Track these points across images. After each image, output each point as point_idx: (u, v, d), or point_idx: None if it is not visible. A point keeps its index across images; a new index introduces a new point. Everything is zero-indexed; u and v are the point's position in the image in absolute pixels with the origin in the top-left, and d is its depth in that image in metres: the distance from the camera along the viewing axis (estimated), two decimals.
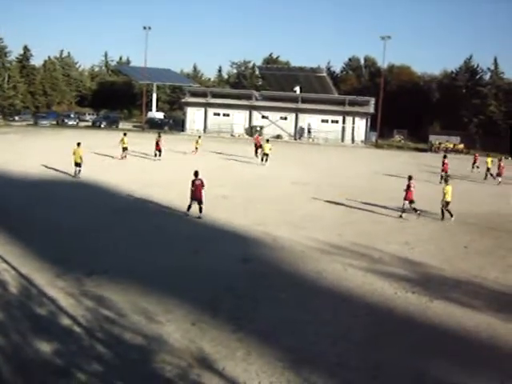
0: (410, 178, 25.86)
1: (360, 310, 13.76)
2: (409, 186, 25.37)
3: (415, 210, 25.53)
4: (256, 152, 46.43)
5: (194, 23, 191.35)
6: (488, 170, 42.57)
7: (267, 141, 45.61)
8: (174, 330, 11.77)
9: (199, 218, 22.43)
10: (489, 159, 43.05)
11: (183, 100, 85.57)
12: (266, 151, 42.87)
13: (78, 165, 31.39)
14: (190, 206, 22.80)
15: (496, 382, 10.61)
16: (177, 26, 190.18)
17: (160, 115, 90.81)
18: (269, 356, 10.86)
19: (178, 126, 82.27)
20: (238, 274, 15.88)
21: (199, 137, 51.72)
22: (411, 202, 25.44)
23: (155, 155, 42.05)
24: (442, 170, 38.32)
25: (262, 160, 42.85)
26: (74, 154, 31.57)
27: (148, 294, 13.88)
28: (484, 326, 13.03)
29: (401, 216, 25.37)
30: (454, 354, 11.54)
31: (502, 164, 41.16)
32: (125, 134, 42.30)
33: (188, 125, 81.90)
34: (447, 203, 25.30)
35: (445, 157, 39.77)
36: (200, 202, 22.69)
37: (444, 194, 25.32)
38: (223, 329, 11.95)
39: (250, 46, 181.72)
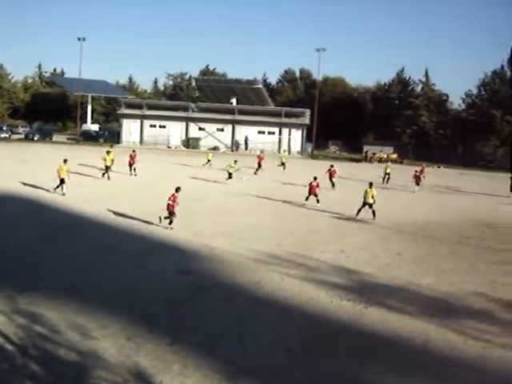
0: (315, 178, 31.68)
1: (297, 319, 13.82)
2: (310, 183, 31.34)
3: (317, 201, 30.98)
4: (257, 170, 48.22)
5: (130, 35, 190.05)
6: (386, 174, 46.60)
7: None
8: (110, 346, 11.53)
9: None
10: (388, 165, 48.43)
11: (119, 112, 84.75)
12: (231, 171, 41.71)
13: (62, 181, 30.58)
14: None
15: None
16: (112, 37, 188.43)
17: (95, 127, 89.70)
18: (206, 368, 10.77)
19: (114, 138, 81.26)
20: (176, 287, 15.73)
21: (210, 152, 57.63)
22: (315, 195, 30.95)
23: (133, 170, 41.74)
24: (331, 178, 40.85)
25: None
26: (60, 170, 30.78)
27: (83, 309, 13.56)
28: (418, 332, 13.30)
29: (304, 204, 31.00)
30: (390, 361, 11.71)
31: (417, 173, 43.40)
32: (108, 153, 40.10)
33: (124, 137, 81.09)
34: (365, 204, 27.62)
35: (332, 166, 42.41)
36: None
37: (365, 196, 27.62)
38: (159, 342, 11.78)
39: (186, 57, 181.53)
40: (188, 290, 15.52)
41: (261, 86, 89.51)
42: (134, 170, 41.56)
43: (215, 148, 76.77)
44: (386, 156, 73.88)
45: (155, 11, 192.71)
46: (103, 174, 38.94)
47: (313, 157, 76.57)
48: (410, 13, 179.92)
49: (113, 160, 40.05)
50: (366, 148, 77.56)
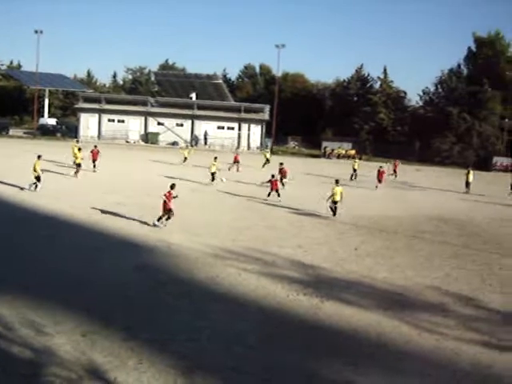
0: (272, 176, 32.73)
1: (254, 313, 13.88)
2: (270, 180, 32.26)
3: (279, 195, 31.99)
4: (232, 166, 47.60)
5: (88, 28, 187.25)
6: (354, 171, 46.96)
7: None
8: (65, 342, 11.39)
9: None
10: (355, 162, 48.55)
11: (76, 106, 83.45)
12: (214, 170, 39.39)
13: (37, 178, 29.59)
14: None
15: (385, 377, 11.00)
16: (70, 30, 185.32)
17: (52, 121, 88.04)
18: (161, 364, 10.72)
19: (72, 132, 79.95)
20: (132, 283, 15.61)
21: (186, 147, 58.46)
22: (276, 190, 31.99)
23: (94, 167, 40.71)
24: (282, 177, 38.06)
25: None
26: (35, 167, 29.62)
27: (37, 306, 13.38)
28: (373, 325, 13.50)
29: (266, 199, 31.61)
30: (346, 354, 11.85)
31: (382, 170, 42.80)
32: (79, 149, 38.68)
33: (82, 131, 79.73)
34: (335, 202, 27.37)
35: (281, 164, 40.44)
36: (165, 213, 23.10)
37: (333, 194, 27.33)
38: (114, 339, 11.69)
39: (145, 51, 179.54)
40: (145, 286, 15.44)
41: (221, 81, 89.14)
42: (94, 166, 40.76)
43: (174, 143, 76.28)
44: (344, 152, 74.46)
45: (114, 4, 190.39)
46: (76, 173, 37.15)
47: (272, 152, 76.60)
48: (370, 10, 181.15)
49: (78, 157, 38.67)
50: (324, 144, 77.94)
